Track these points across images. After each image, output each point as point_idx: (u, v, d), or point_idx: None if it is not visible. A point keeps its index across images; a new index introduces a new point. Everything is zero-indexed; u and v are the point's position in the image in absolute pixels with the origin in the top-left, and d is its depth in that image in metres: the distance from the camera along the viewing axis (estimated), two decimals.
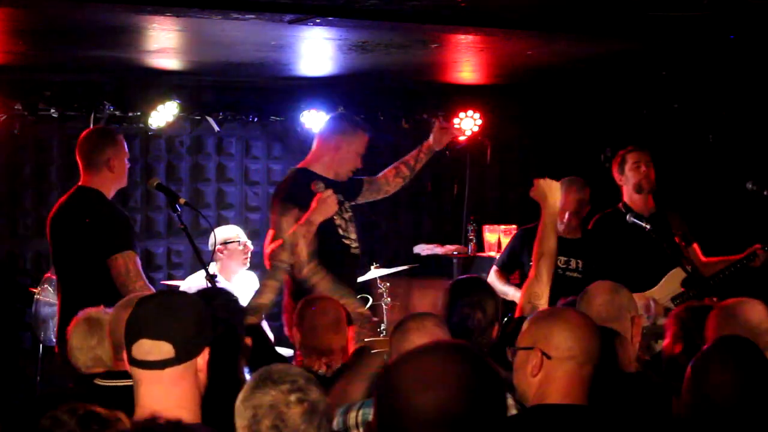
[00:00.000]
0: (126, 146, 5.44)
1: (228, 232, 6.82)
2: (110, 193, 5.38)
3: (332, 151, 5.56)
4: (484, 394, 1.97)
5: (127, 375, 3.31)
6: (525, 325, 3.04)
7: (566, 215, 6.04)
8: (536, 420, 2.92)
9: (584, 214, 6.20)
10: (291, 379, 2.58)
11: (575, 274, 6.00)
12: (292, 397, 2.55)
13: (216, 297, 3.57)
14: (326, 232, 5.28)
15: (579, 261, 6.06)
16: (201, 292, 3.84)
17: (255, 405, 2.57)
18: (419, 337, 3.32)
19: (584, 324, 2.98)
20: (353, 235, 5.53)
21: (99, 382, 3.54)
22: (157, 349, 2.66)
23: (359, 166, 5.63)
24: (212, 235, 6.40)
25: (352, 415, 3.30)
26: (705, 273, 5.98)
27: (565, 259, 6.01)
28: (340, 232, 5.46)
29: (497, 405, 2.01)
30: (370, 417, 3.25)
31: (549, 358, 2.92)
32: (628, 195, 6.18)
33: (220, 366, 2.83)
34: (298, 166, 5.65)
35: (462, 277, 4.62)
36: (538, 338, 2.95)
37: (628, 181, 6.16)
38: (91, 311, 3.99)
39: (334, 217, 5.36)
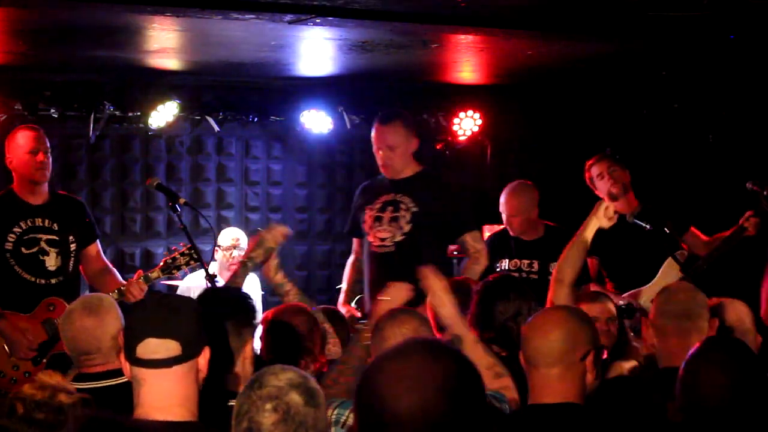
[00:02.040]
0: (25, 138, 5.43)
1: (221, 238, 6.84)
2: (18, 186, 5.45)
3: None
4: (465, 395, 1.93)
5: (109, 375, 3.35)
6: None
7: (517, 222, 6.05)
8: (520, 420, 2.94)
9: (533, 216, 6.10)
10: (275, 384, 2.60)
11: (534, 276, 5.98)
12: (268, 405, 2.59)
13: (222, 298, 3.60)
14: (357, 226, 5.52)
15: (536, 261, 6.02)
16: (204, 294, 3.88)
17: (239, 403, 2.64)
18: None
19: (542, 325, 2.95)
20: (382, 234, 5.41)
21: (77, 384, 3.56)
22: (164, 347, 2.67)
23: (380, 161, 5.52)
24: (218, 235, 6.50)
25: (328, 412, 3.29)
26: (708, 251, 5.98)
27: (528, 261, 6.01)
28: (365, 228, 5.47)
29: (478, 406, 1.97)
30: (343, 419, 3.23)
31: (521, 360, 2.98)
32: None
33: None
34: None
35: (496, 278, 4.37)
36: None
37: (601, 192, 6.19)
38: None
39: (366, 210, 5.45)
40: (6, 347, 5.21)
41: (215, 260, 6.66)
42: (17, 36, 5.66)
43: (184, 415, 2.68)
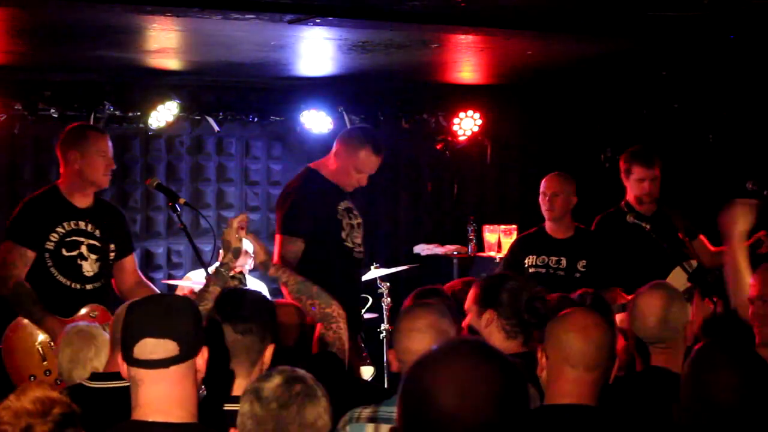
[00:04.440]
0: (98, 143, 5.28)
1: None
2: (68, 185, 5.33)
3: (337, 159, 5.52)
4: (512, 400, 1.91)
5: (114, 377, 3.28)
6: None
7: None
8: (537, 421, 2.93)
9: (571, 204, 6.08)
10: (262, 380, 2.61)
11: (561, 273, 5.99)
12: (245, 395, 2.66)
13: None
14: (328, 237, 5.33)
15: (564, 259, 6.02)
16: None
17: None
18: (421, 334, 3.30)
19: (584, 327, 2.95)
20: (357, 240, 5.47)
21: (88, 384, 3.53)
22: (162, 347, 2.64)
23: (362, 184, 5.54)
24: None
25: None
26: (714, 264, 5.95)
27: (556, 258, 6.02)
28: (343, 236, 5.41)
29: (524, 412, 1.95)
30: (356, 414, 3.21)
31: (547, 358, 2.96)
32: (632, 197, 6.17)
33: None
34: (310, 165, 5.64)
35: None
36: (546, 337, 3.03)
37: (631, 189, 6.15)
38: (80, 324, 4.04)
39: (341, 221, 5.38)
40: (40, 350, 4.98)
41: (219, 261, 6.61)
42: (17, 36, 5.66)
43: (184, 417, 2.66)
